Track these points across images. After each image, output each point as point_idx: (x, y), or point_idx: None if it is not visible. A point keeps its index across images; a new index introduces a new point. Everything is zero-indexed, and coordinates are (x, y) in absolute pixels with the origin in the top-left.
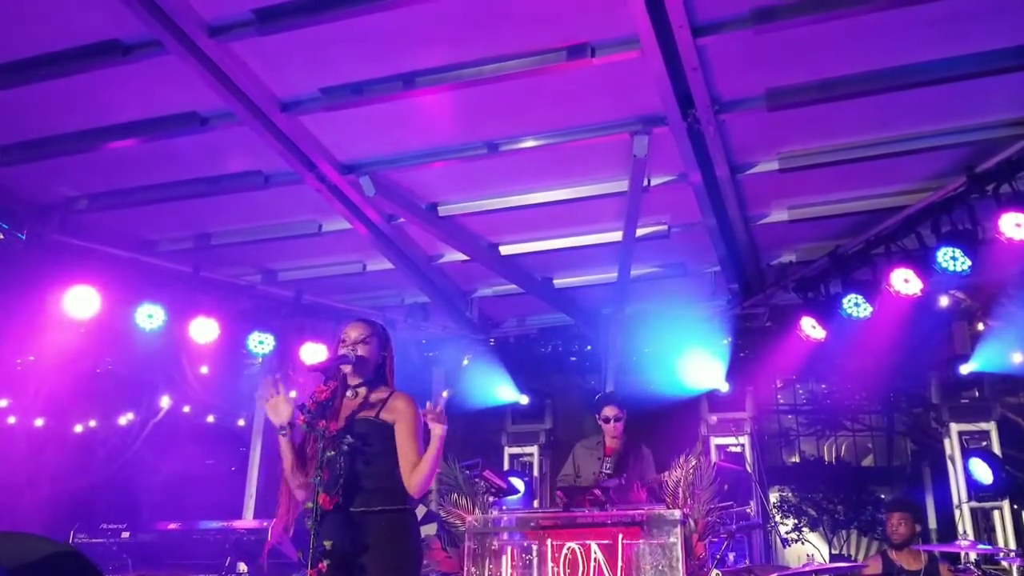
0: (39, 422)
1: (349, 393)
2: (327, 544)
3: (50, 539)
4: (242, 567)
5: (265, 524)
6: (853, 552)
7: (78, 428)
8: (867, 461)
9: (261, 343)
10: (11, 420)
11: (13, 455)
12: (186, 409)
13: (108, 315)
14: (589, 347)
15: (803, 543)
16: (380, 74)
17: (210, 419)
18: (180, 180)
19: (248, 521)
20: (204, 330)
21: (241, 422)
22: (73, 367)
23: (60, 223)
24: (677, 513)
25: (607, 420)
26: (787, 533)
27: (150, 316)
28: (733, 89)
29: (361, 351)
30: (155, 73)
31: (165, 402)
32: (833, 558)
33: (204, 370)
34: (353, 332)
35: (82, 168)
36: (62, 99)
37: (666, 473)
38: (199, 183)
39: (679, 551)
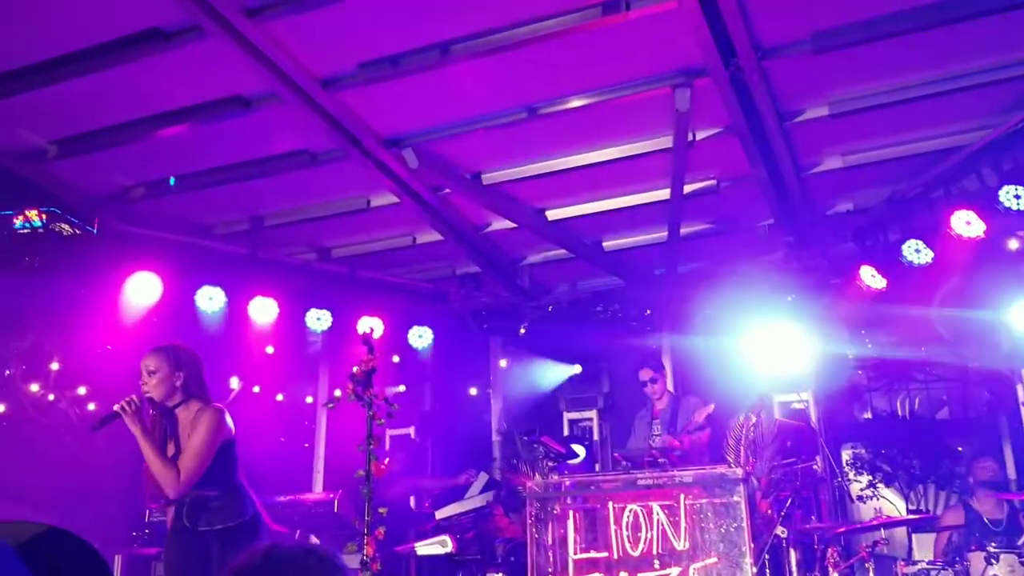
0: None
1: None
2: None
3: (33, 523)
4: (313, 539)
5: (331, 496)
6: (931, 506)
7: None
8: (942, 414)
9: (319, 320)
10: (91, 407)
11: (96, 442)
12: (256, 389)
13: (171, 300)
14: (648, 311)
15: (878, 499)
16: (415, 45)
17: (279, 397)
18: (231, 163)
19: (316, 494)
20: (263, 310)
21: (309, 399)
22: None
23: (118, 212)
24: (739, 471)
25: (643, 384)
26: (861, 490)
27: (211, 298)
28: (775, 34)
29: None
30: (198, 58)
31: (235, 383)
32: (910, 513)
33: (270, 350)
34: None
35: (136, 157)
36: (111, 90)
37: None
38: (250, 165)
39: (743, 509)
